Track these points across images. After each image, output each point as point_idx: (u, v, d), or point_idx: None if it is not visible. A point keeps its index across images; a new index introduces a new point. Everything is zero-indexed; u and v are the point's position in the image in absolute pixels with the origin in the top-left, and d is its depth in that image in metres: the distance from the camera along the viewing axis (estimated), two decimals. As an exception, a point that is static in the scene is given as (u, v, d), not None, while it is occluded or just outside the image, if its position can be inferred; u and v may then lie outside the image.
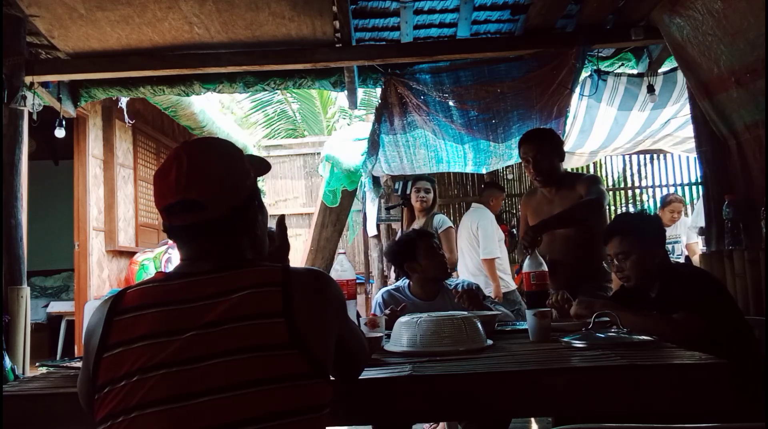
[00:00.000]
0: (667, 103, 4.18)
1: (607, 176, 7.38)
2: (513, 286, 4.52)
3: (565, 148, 2.92)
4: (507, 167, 6.55)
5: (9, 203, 3.08)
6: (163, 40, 3.35)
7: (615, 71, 3.86)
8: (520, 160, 2.95)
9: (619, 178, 7.50)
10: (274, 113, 10.18)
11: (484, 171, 5.00)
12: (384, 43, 3.60)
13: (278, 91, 8.46)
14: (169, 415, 0.89)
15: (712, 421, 1.08)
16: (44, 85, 3.56)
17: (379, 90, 3.88)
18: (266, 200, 7.55)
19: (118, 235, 5.63)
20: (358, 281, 4.87)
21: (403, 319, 1.75)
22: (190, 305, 0.99)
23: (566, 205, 2.66)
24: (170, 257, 5.61)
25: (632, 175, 7.47)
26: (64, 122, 3.74)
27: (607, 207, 2.87)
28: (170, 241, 5.75)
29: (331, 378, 1.08)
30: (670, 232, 4.93)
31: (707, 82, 2.95)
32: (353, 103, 3.89)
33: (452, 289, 2.59)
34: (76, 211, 5.21)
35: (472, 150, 4.38)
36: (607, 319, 1.86)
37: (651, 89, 3.76)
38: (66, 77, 3.66)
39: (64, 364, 1.69)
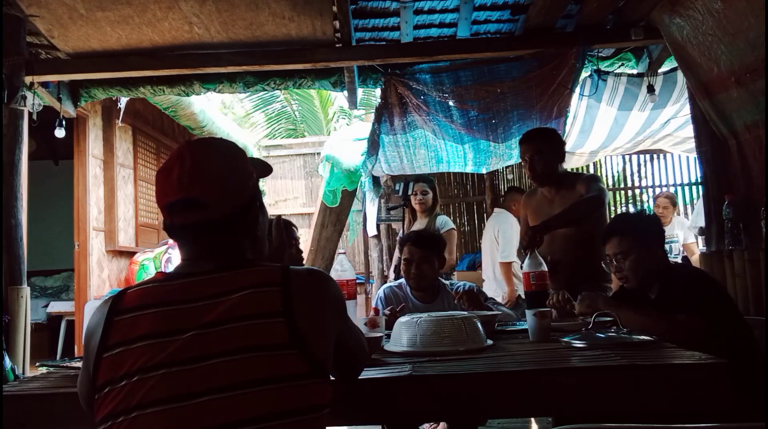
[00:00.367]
0: (667, 103, 4.18)
1: (607, 176, 7.38)
2: None
3: (566, 148, 2.92)
4: (507, 167, 6.55)
5: (9, 203, 3.08)
6: (163, 40, 3.35)
7: (615, 71, 3.86)
8: (520, 160, 2.95)
9: (619, 178, 7.51)
10: (274, 113, 10.18)
11: (484, 171, 5.00)
12: (384, 43, 3.60)
13: (278, 91, 8.46)
14: (169, 415, 0.89)
15: (712, 421, 1.08)
16: (44, 85, 3.56)
17: (379, 90, 3.88)
18: (266, 200, 7.55)
19: (118, 235, 5.63)
20: (358, 281, 4.87)
21: (403, 319, 1.75)
22: (190, 305, 0.99)
23: (566, 204, 2.65)
24: (170, 257, 5.60)
25: (632, 175, 7.47)
26: (64, 122, 3.75)
27: (607, 207, 2.86)
28: (170, 241, 5.77)
29: (331, 378, 1.08)
30: (667, 231, 4.93)
31: (707, 82, 2.95)
32: (353, 103, 3.89)
33: (453, 291, 2.58)
34: (76, 211, 5.21)
35: (472, 150, 4.38)
36: (607, 319, 1.86)
37: (651, 89, 3.76)
38: (66, 77, 3.66)
39: (64, 364, 1.68)
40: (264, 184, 7.73)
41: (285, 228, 2.47)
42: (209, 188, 1.05)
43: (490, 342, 1.70)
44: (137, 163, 6.09)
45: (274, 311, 0.97)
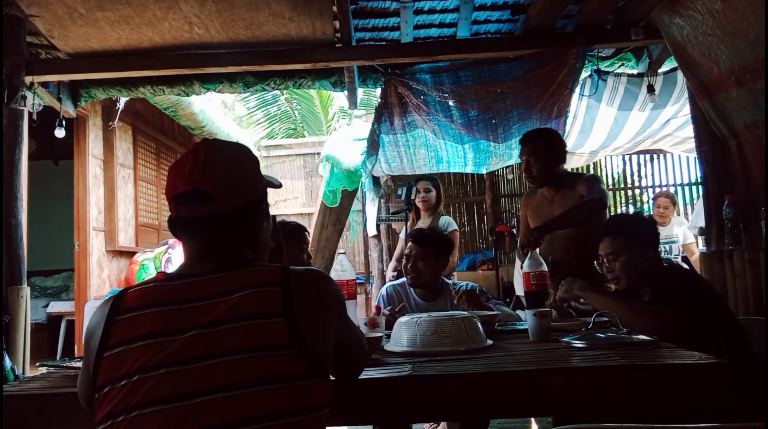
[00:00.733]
0: (667, 103, 4.18)
1: (607, 176, 7.39)
2: None
3: (566, 148, 2.91)
4: (507, 167, 6.55)
5: (9, 203, 3.08)
6: (163, 40, 3.35)
7: (615, 71, 3.86)
8: (519, 160, 2.95)
9: (619, 178, 7.51)
10: (274, 113, 10.17)
11: (484, 171, 5.00)
12: (384, 43, 3.61)
13: (278, 91, 8.45)
14: (169, 414, 0.90)
15: (712, 421, 1.08)
16: (44, 85, 3.56)
17: (379, 90, 3.88)
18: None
19: (118, 235, 5.63)
20: (358, 281, 4.87)
21: (403, 319, 1.75)
22: (191, 305, 0.99)
23: (566, 204, 2.66)
24: (170, 257, 5.60)
25: (632, 175, 7.47)
26: (64, 122, 3.74)
27: (608, 208, 2.86)
28: (170, 241, 5.77)
29: (331, 378, 1.08)
30: (665, 232, 4.93)
31: (707, 82, 2.95)
32: (353, 103, 3.89)
33: (454, 291, 2.59)
34: (76, 211, 5.21)
35: (472, 150, 4.38)
36: (606, 319, 1.86)
37: (651, 89, 3.76)
38: (66, 77, 3.66)
39: (64, 364, 1.68)
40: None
41: (297, 233, 2.49)
42: (218, 182, 1.07)
43: (490, 342, 1.70)
44: (137, 163, 6.09)
45: (274, 311, 0.98)
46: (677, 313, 1.71)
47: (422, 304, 2.56)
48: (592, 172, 6.85)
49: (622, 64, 3.79)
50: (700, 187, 5.20)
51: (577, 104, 4.23)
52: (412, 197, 4.02)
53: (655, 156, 7.17)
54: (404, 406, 1.32)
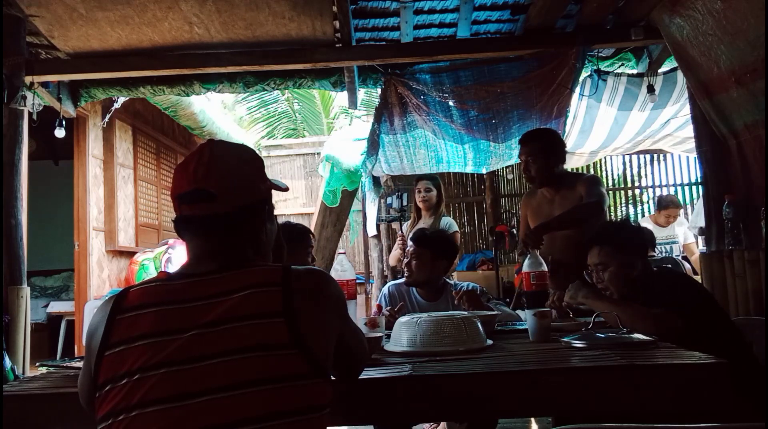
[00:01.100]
0: (667, 103, 4.18)
1: (607, 176, 7.38)
2: None
3: (566, 148, 2.91)
4: (507, 167, 6.55)
5: (9, 203, 3.08)
6: (163, 40, 3.35)
7: (615, 71, 3.86)
8: (519, 161, 2.95)
9: (619, 178, 7.50)
10: (275, 113, 10.17)
11: (484, 171, 5.00)
12: (384, 43, 3.60)
13: (279, 91, 8.45)
14: (169, 414, 0.90)
15: (712, 421, 1.08)
16: (44, 85, 3.56)
17: (379, 90, 3.88)
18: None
19: (118, 235, 5.63)
20: (358, 281, 4.87)
21: (403, 319, 1.75)
22: (191, 305, 0.99)
23: (566, 205, 2.66)
24: (170, 257, 5.60)
25: (632, 175, 7.47)
26: (64, 122, 3.74)
27: (607, 208, 2.86)
28: (170, 241, 5.77)
29: (331, 378, 1.08)
30: (666, 232, 4.95)
31: (707, 82, 2.95)
32: (353, 103, 3.89)
33: (455, 291, 2.59)
34: (76, 211, 5.21)
35: (472, 150, 4.38)
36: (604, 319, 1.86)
37: (651, 89, 3.76)
38: (66, 77, 3.66)
39: (64, 364, 1.68)
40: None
41: (302, 236, 2.49)
42: (221, 181, 1.08)
43: (490, 342, 1.70)
44: (137, 163, 6.09)
45: (275, 311, 0.98)
46: (678, 316, 1.72)
47: (423, 304, 2.57)
48: (592, 172, 6.85)
49: (622, 64, 3.79)
50: (700, 187, 5.20)
51: (577, 104, 4.23)
52: (404, 204, 4.02)
53: (655, 156, 7.17)
54: (404, 406, 1.32)
